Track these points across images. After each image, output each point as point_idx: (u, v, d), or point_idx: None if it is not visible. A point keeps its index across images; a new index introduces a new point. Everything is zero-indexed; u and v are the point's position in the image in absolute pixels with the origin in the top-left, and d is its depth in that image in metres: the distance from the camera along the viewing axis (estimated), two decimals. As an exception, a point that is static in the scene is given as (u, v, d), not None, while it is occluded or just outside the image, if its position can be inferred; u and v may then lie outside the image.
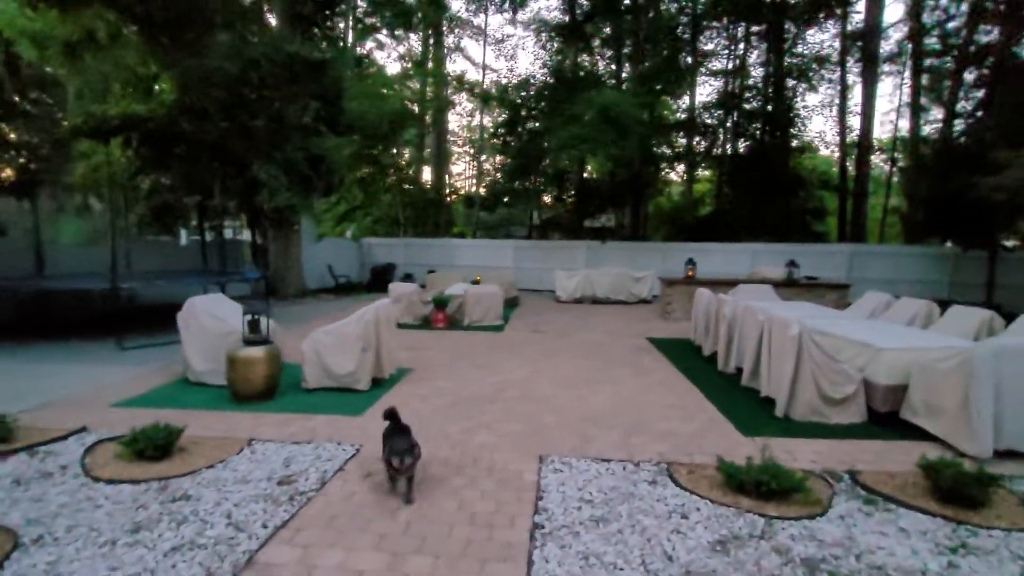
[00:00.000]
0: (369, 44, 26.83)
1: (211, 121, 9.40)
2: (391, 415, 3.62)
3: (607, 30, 19.40)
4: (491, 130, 20.54)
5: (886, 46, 22.72)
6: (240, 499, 3.31)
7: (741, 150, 21.59)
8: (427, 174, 26.14)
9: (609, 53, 22.20)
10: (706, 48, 23.91)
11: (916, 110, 22.03)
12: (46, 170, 12.42)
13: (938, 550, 2.90)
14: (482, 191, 23.23)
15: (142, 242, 12.80)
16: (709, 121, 21.98)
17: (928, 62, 20.94)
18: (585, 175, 21.73)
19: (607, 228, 21.06)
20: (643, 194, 16.52)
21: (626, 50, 18.90)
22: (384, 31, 21.93)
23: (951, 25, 19.69)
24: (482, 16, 24.93)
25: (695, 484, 3.62)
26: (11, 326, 8.49)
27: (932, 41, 20.71)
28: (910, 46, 21.49)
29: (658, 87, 15.62)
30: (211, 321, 5.69)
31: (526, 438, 4.41)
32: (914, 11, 20.81)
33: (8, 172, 15.93)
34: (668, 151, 19.46)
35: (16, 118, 12.44)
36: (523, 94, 16.97)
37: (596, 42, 21.78)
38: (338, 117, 10.68)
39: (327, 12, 11.50)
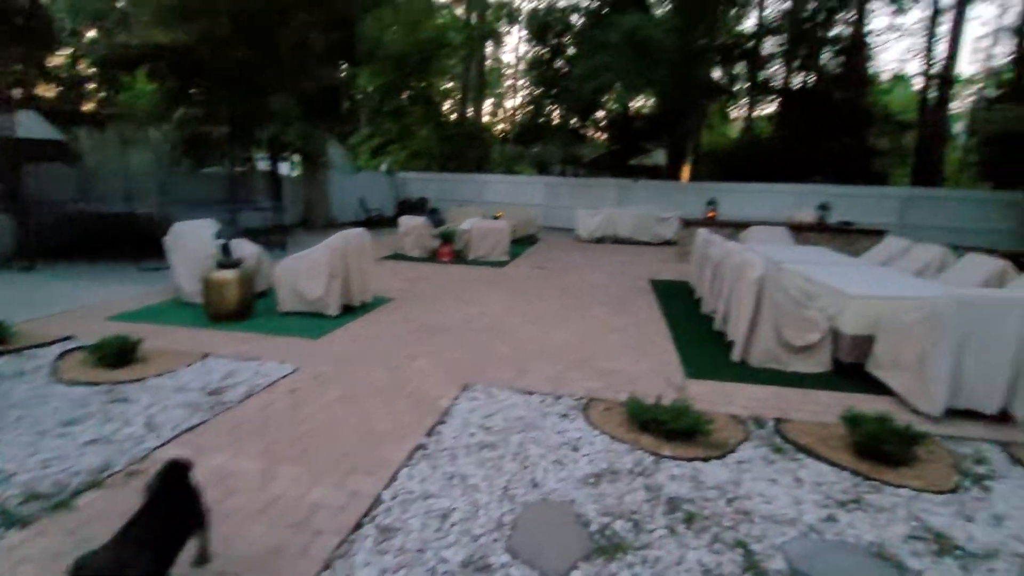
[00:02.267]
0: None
1: (228, 49, 9.51)
2: (167, 475, 2.00)
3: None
4: (528, 59, 19.63)
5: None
6: (169, 405, 3.59)
7: (804, 82, 19.69)
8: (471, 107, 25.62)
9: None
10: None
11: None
12: (110, 101, 13.13)
13: (825, 502, 2.78)
14: (517, 125, 22.63)
15: (183, 172, 13.44)
16: (775, 48, 20.02)
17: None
18: (632, 107, 20.60)
19: (645, 166, 20.10)
20: (682, 130, 15.46)
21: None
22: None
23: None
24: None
25: (604, 420, 3.60)
26: (52, 245, 9.26)
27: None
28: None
29: (702, 11, 14.18)
30: (195, 245, 6.00)
31: (464, 366, 4.49)
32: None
33: (90, 105, 17.02)
34: (720, 80, 17.91)
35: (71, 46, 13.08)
36: (556, 16, 15.94)
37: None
38: (353, 45, 10.51)
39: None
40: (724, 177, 19.33)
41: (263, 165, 14.11)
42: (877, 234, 10.03)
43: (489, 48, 29.33)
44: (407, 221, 10.15)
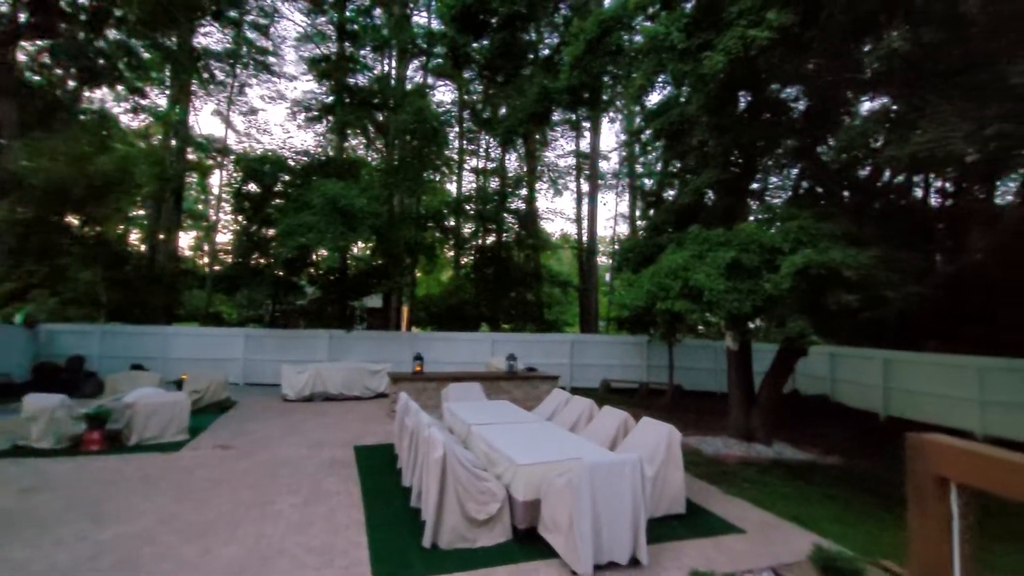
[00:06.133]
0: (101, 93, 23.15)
1: None
2: None
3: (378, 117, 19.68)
4: (231, 204, 18.71)
5: (607, 166, 27.96)
6: None
7: (492, 243, 23.55)
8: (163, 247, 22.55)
9: (373, 143, 22.76)
10: (467, 148, 26.51)
11: (633, 220, 27.20)
12: None
13: None
14: (216, 269, 20.92)
15: None
16: (470, 211, 23.61)
17: (638, 183, 26.12)
18: (349, 255, 21.19)
19: (366, 308, 20.55)
20: (390, 283, 16.44)
21: (379, 143, 19.48)
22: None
23: (652, 155, 24.91)
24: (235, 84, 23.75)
25: None
26: None
27: (640, 167, 26.12)
28: (624, 168, 26.75)
29: (406, 181, 16.11)
30: None
31: (66, 644, 3.27)
32: (628, 141, 26.12)
33: None
34: (424, 239, 20.00)
35: None
36: (265, 168, 15.82)
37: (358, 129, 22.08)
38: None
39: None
40: (437, 322, 20.95)
41: None
42: (551, 379, 11.90)
43: (192, 178, 27.24)
44: (35, 402, 7.72)
